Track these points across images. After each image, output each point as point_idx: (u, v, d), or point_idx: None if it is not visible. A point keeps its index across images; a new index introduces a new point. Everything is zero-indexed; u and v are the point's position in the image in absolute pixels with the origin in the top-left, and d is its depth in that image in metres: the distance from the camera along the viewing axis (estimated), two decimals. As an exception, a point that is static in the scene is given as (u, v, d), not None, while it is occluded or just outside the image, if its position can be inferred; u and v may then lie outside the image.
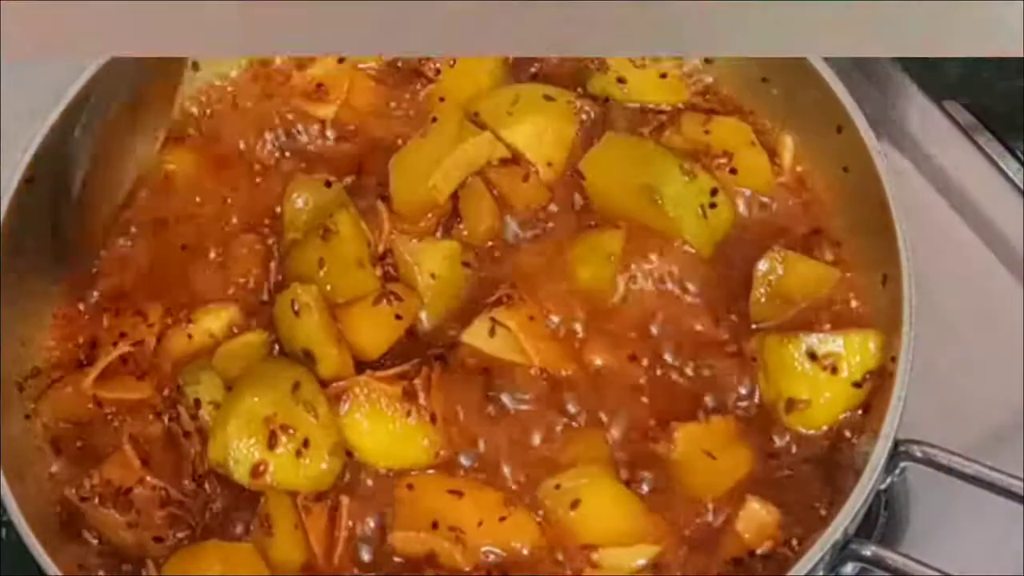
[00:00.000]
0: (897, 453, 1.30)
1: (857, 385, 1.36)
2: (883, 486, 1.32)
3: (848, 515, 1.26)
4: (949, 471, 1.30)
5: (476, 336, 1.40)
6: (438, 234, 1.47)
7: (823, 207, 1.49)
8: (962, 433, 1.42)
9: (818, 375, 1.35)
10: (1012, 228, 1.65)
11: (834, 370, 1.35)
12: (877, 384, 1.35)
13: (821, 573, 1.29)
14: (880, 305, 1.40)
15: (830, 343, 1.35)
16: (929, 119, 1.71)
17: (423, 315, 1.43)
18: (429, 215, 1.46)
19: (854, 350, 1.35)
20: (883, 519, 1.48)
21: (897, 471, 1.32)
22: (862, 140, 1.42)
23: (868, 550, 1.30)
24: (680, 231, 1.43)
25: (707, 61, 1.56)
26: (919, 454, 1.31)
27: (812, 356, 1.35)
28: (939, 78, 1.75)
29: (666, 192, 1.42)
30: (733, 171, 1.48)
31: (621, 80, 1.55)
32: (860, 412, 1.36)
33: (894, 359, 1.32)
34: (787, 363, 1.36)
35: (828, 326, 1.39)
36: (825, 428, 1.37)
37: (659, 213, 1.43)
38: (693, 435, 1.35)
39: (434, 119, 1.48)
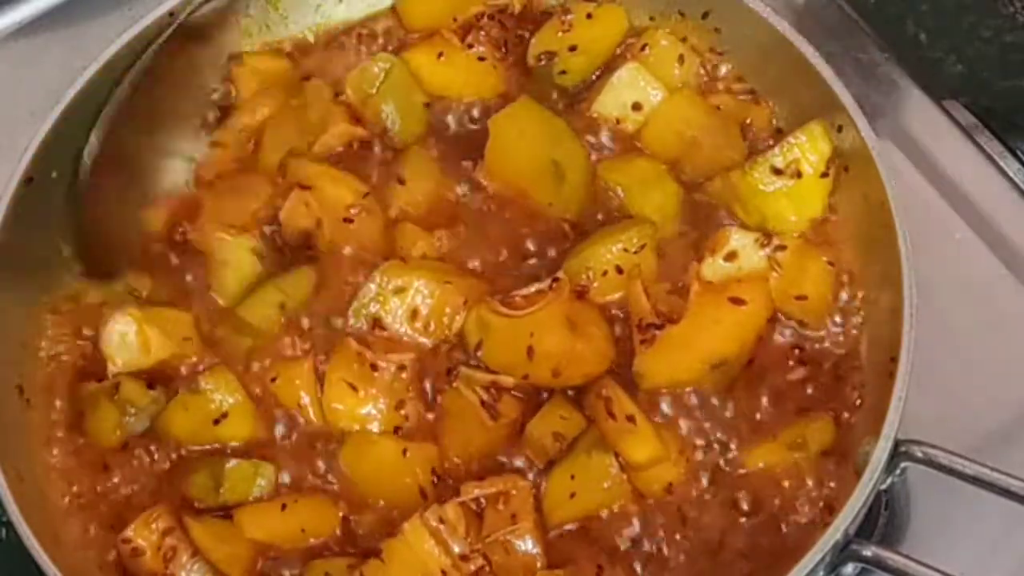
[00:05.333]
0: (898, 453, 1.30)
1: (824, 175, 1.44)
2: (883, 486, 1.32)
3: (849, 515, 1.27)
4: (949, 471, 1.30)
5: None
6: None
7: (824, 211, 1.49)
8: (962, 433, 1.42)
9: (787, 185, 1.44)
10: (1012, 228, 1.65)
11: (799, 174, 1.43)
12: (840, 162, 1.44)
13: (822, 573, 1.29)
14: (881, 305, 1.40)
15: (787, 152, 1.44)
16: (929, 119, 1.71)
17: None
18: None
19: (808, 146, 1.44)
20: (883, 519, 1.48)
21: (898, 471, 1.32)
22: (862, 140, 1.42)
23: (869, 550, 1.29)
24: (563, 206, 1.48)
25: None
26: (920, 454, 1.30)
27: (776, 172, 1.43)
28: (939, 78, 1.75)
29: (571, 175, 1.48)
30: None
31: (573, 48, 1.57)
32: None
33: (894, 359, 1.32)
34: (757, 189, 1.44)
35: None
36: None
37: (554, 186, 1.48)
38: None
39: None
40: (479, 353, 1.41)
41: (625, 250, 1.43)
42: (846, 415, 1.39)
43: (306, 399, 1.42)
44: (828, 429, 1.38)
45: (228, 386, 1.42)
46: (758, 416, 1.40)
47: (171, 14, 1.54)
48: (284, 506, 1.38)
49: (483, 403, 1.39)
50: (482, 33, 1.59)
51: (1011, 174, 1.67)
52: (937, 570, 1.27)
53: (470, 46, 1.58)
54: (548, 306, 1.40)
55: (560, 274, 1.42)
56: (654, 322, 1.40)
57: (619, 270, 1.43)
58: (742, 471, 1.38)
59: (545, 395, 1.41)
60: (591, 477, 1.35)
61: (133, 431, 1.43)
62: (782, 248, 1.43)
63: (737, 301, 1.40)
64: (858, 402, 1.39)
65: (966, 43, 1.78)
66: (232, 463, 1.40)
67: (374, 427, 1.41)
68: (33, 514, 1.32)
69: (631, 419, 1.36)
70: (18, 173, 1.45)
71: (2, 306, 1.44)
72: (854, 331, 1.43)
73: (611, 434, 1.36)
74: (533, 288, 1.42)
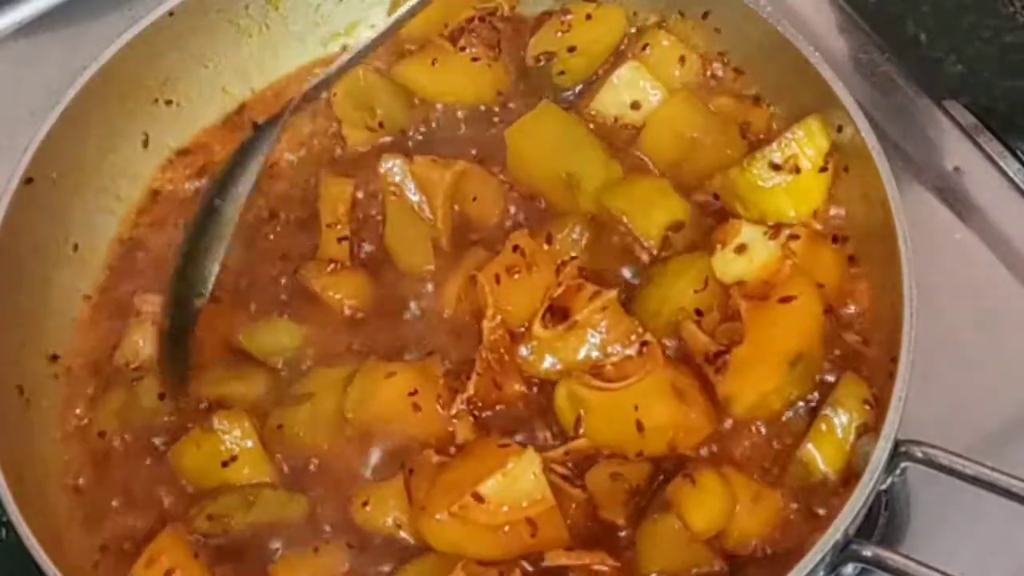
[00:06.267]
0: (898, 453, 1.30)
1: (823, 170, 1.44)
2: (883, 486, 1.32)
3: (849, 515, 1.26)
4: (949, 471, 1.30)
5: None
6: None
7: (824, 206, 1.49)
8: (962, 433, 1.42)
9: (786, 180, 1.44)
10: (1012, 228, 1.65)
11: (797, 169, 1.43)
12: (839, 160, 1.45)
13: (822, 573, 1.29)
14: (881, 305, 1.40)
15: (785, 148, 1.44)
16: (929, 119, 1.71)
17: None
18: None
19: (806, 142, 1.44)
20: (883, 519, 1.48)
21: (898, 471, 1.32)
22: (862, 140, 1.42)
23: (868, 550, 1.30)
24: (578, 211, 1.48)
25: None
26: (920, 454, 1.30)
27: (775, 167, 1.43)
28: (939, 78, 1.75)
29: (585, 186, 1.47)
30: None
31: (572, 49, 1.57)
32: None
33: (894, 359, 1.32)
34: (756, 184, 1.44)
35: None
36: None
37: (570, 196, 1.48)
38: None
39: None
40: (580, 431, 1.37)
41: (696, 291, 1.41)
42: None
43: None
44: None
45: (243, 430, 1.40)
46: None
47: (171, 14, 1.54)
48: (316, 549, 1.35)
49: (565, 478, 1.35)
50: (473, 35, 1.59)
51: (1011, 174, 1.67)
52: (937, 570, 1.27)
53: (462, 48, 1.58)
54: (650, 375, 1.37)
55: (648, 337, 1.39)
56: (719, 349, 1.38)
57: (699, 313, 1.41)
58: None
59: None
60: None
61: (130, 424, 1.43)
62: (795, 237, 1.43)
63: (786, 299, 1.39)
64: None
65: (966, 43, 1.78)
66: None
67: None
68: (33, 514, 1.32)
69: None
70: (18, 173, 1.45)
71: (2, 306, 1.44)
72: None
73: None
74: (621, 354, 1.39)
